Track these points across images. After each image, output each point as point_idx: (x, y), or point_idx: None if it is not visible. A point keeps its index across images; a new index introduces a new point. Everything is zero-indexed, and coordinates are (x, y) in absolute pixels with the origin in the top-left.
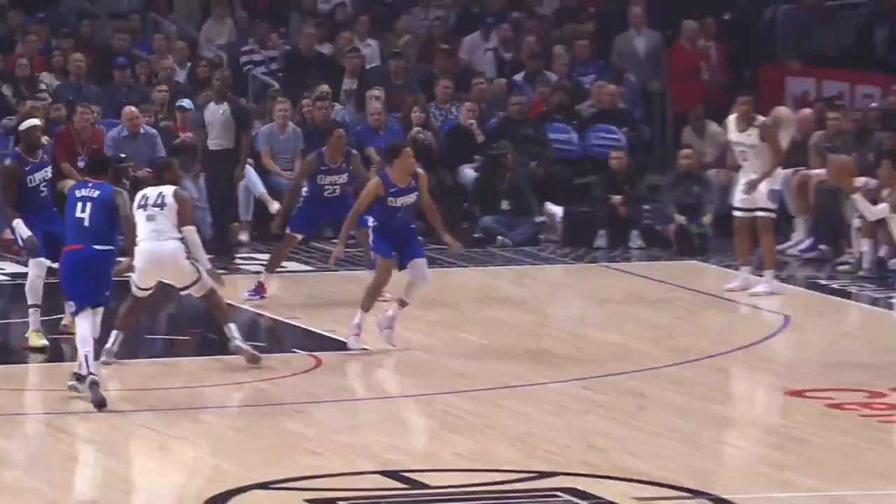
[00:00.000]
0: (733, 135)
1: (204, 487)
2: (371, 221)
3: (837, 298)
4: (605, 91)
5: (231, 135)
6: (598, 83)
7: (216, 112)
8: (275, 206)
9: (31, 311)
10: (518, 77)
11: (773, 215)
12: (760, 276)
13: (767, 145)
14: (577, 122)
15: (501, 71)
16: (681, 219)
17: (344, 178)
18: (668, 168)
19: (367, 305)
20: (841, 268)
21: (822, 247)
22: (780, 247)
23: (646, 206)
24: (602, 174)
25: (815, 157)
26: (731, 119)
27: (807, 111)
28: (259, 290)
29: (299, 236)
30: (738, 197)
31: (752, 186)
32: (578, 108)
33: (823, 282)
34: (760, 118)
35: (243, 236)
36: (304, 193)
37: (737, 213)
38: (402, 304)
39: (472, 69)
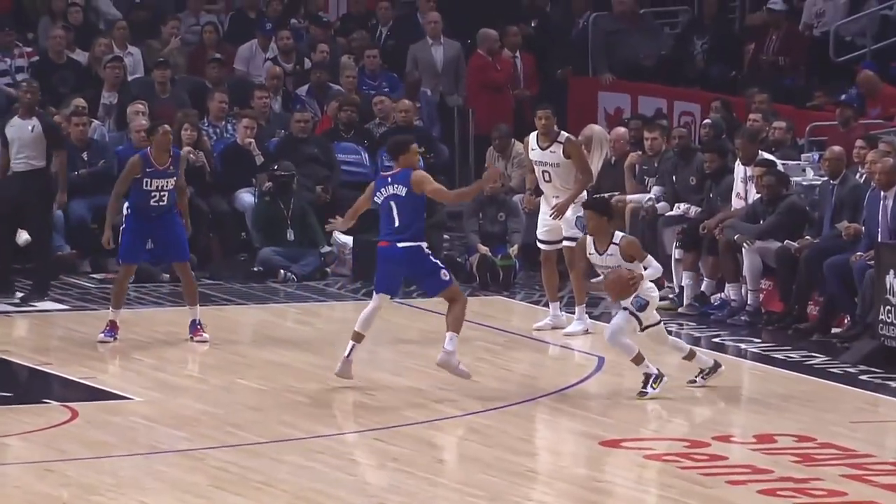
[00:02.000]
0: (534, 153)
1: None
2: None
3: None
4: (398, 107)
5: (42, 153)
6: (378, 97)
7: (23, 128)
8: (23, 237)
9: None
10: (301, 91)
11: None
12: (572, 313)
13: (574, 164)
14: (368, 141)
15: (284, 82)
16: (484, 249)
17: (171, 182)
18: None
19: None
20: (660, 304)
21: None
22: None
23: (445, 235)
24: None
25: (631, 181)
26: (532, 136)
27: (621, 129)
28: (112, 329)
29: (134, 266)
30: (543, 226)
31: (559, 212)
32: (369, 126)
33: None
34: (564, 133)
35: None
36: (125, 211)
37: (542, 245)
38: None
39: (249, 81)
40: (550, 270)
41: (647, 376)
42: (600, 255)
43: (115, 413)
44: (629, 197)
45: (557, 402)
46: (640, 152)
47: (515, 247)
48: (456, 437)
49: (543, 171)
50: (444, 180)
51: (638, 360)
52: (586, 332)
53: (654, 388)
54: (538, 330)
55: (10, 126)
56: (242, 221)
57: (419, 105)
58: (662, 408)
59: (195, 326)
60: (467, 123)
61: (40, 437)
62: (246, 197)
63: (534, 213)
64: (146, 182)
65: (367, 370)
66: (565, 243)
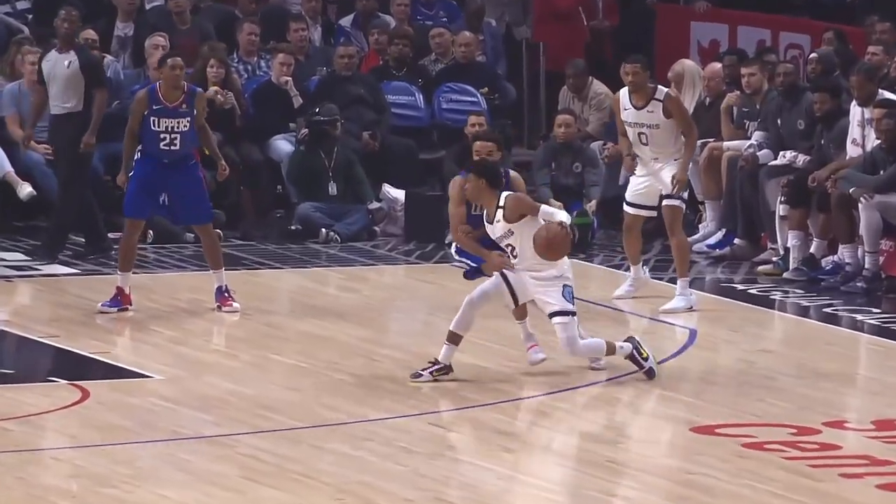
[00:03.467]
0: (627, 113)
1: None
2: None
3: (757, 307)
4: (458, 40)
5: (80, 93)
6: (435, 30)
7: (59, 63)
8: (26, 190)
9: None
10: (345, 21)
11: (682, 204)
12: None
13: (677, 123)
14: (423, 80)
15: (325, 11)
16: (557, 205)
17: (185, 123)
18: (541, 139)
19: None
20: (762, 268)
21: (737, 241)
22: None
23: None
24: (455, 147)
25: (729, 125)
26: (622, 93)
27: (717, 66)
28: (118, 298)
29: (141, 221)
30: (635, 188)
31: (681, 184)
32: (424, 63)
33: (739, 286)
34: (662, 89)
35: None
36: (136, 155)
37: (629, 209)
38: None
39: (286, 11)
40: (634, 238)
41: (633, 358)
42: (490, 224)
43: (131, 393)
44: (726, 144)
45: (642, 383)
46: (738, 92)
47: (593, 202)
48: (525, 423)
49: (640, 134)
50: (511, 124)
51: (610, 350)
52: (690, 309)
53: (646, 360)
54: (618, 298)
55: (47, 61)
56: (278, 173)
57: (482, 38)
58: (764, 389)
59: (223, 294)
60: (537, 58)
61: (46, 420)
62: (282, 144)
63: (614, 164)
64: (153, 121)
65: (421, 344)
66: (668, 202)
